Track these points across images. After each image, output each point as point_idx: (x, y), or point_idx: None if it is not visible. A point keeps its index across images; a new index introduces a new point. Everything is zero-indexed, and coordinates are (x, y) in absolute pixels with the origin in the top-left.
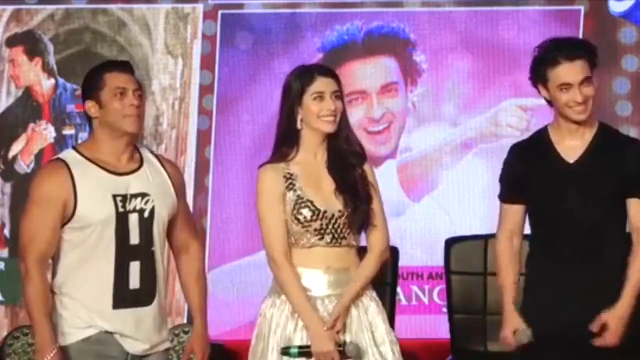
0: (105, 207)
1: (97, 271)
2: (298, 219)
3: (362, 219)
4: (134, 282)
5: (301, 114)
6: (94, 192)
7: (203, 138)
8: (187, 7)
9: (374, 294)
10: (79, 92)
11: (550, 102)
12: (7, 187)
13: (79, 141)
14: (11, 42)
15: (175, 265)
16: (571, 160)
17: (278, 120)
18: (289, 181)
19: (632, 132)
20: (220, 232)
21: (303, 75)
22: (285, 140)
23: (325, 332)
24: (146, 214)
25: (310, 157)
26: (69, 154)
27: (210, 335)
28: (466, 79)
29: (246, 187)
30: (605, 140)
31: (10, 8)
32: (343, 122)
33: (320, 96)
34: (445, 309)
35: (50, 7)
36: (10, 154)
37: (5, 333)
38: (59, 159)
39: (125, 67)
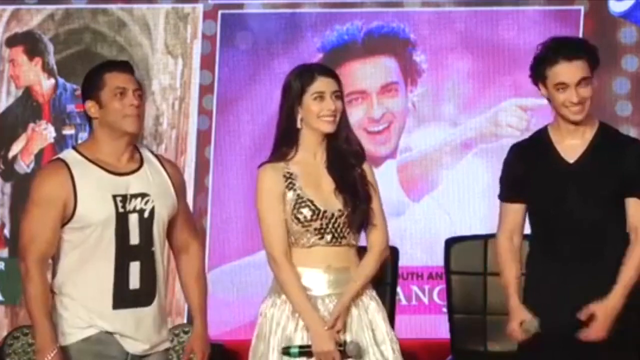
0: (105, 207)
1: (97, 271)
2: (298, 219)
3: (362, 219)
4: (134, 282)
5: (301, 113)
6: (94, 192)
7: (203, 138)
8: (187, 7)
9: (374, 293)
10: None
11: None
12: (7, 187)
13: (79, 141)
14: (11, 42)
15: (175, 265)
16: (571, 160)
17: (278, 119)
18: (289, 181)
19: (632, 132)
20: (220, 232)
21: (303, 75)
22: (285, 140)
23: (326, 332)
24: (146, 214)
25: (310, 157)
26: (69, 154)
27: (210, 335)
28: (466, 79)
29: (246, 187)
30: (605, 140)
31: (10, 8)
32: (343, 122)
33: (320, 96)
34: (445, 309)
35: (50, 7)
36: (10, 154)
37: (5, 333)
38: (59, 159)
39: (125, 67)
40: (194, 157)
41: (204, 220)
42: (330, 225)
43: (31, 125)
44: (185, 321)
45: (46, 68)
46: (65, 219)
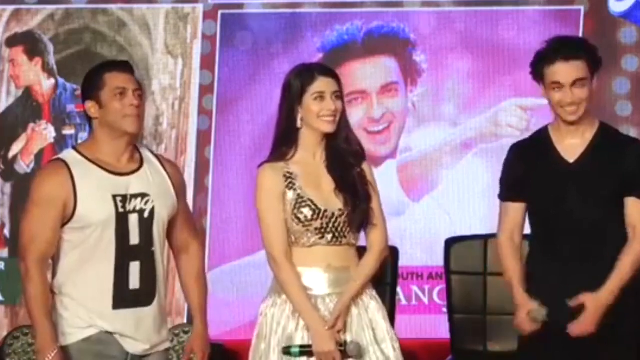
0: (105, 207)
1: (97, 272)
2: (299, 219)
3: (362, 218)
4: (134, 282)
5: (301, 113)
6: (94, 192)
7: (203, 138)
8: (187, 7)
9: (374, 292)
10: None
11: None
12: (7, 187)
13: (79, 141)
14: (11, 42)
15: (175, 265)
16: (571, 160)
17: (277, 118)
18: (289, 180)
19: (632, 132)
20: (220, 232)
21: (303, 75)
22: (284, 140)
23: (327, 332)
24: (146, 215)
25: (309, 157)
26: (69, 154)
27: (210, 335)
28: (466, 79)
29: (246, 187)
30: (605, 140)
31: (10, 8)
32: (343, 122)
33: (320, 96)
34: (445, 309)
35: (50, 7)
36: (10, 154)
37: (5, 333)
38: (59, 159)
39: (125, 67)
40: (194, 157)
41: (204, 220)
42: (330, 225)
43: (31, 125)
44: (185, 321)
45: (46, 68)
46: (66, 219)
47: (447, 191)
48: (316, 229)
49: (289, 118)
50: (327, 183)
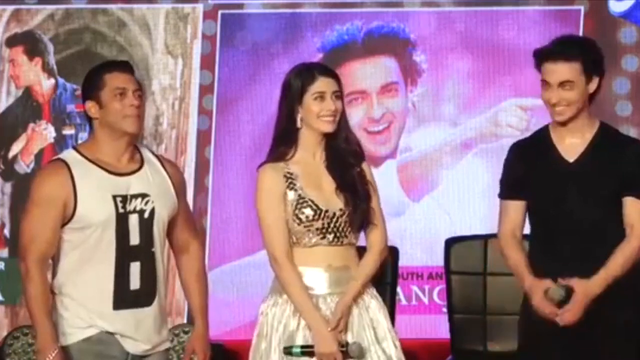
0: (105, 207)
1: (97, 272)
2: (300, 219)
3: (363, 218)
4: (135, 282)
5: (301, 113)
6: (95, 192)
7: (203, 138)
8: (187, 7)
9: (375, 291)
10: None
11: None
12: (7, 187)
13: (79, 141)
14: (11, 42)
15: (175, 264)
16: (571, 160)
17: (277, 118)
18: (290, 181)
19: (632, 132)
20: (220, 232)
21: (304, 75)
22: (284, 140)
23: (329, 333)
24: (146, 215)
25: (309, 157)
26: (69, 154)
27: (210, 335)
28: (466, 79)
29: (246, 187)
30: (605, 140)
31: (10, 8)
32: (342, 122)
33: (321, 96)
34: (445, 309)
35: (50, 7)
36: (10, 154)
37: (5, 333)
38: (59, 159)
39: (125, 67)
40: (194, 157)
41: (204, 220)
42: (332, 225)
43: (31, 125)
44: (185, 321)
45: (46, 68)
46: (66, 219)
47: (447, 191)
48: (317, 229)
49: (288, 118)
50: (328, 183)
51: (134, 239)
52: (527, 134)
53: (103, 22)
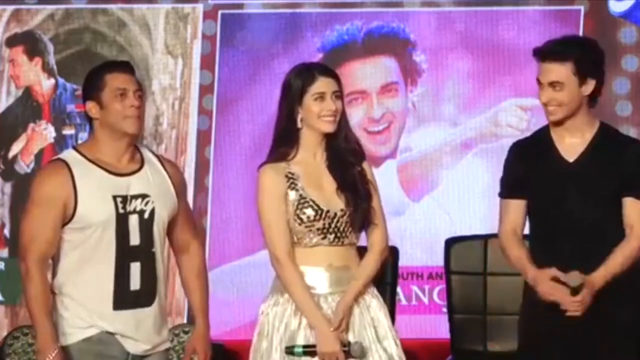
0: (105, 208)
1: (97, 272)
2: (301, 219)
3: (363, 218)
4: (135, 283)
5: (301, 113)
6: (95, 192)
7: (203, 138)
8: (187, 7)
9: (375, 290)
10: (79, 92)
11: None
12: (7, 187)
13: (79, 141)
14: (11, 42)
15: (175, 263)
16: (571, 160)
17: (277, 118)
18: (291, 181)
19: (632, 132)
20: (220, 232)
21: (304, 75)
22: (285, 140)
23: (331, 332)
24: (146, 215)
25: (310, 157)
26: (69, 154)
27: (210, 335)
28: (466, 79)
29: (246, 187)
30: (605, 140)
31: (10, 8)
32: (343, 122)
33: (321, 96)
34: (445, 309)
35: (50, 7)
36: (10, 154)
37: (5, 333)
38: (59, 159)
39: (126, 67)
40: (194, 157)
41: (204, 220)
42: (333, 225)
43: (31, 125)
44: (185, 321)
45: (46, 68)
46: (66, 219)
47: (447, 191)
48: (318, 229)
49: (289, 118)
50: (329, 183)
51: (134, 239)
52: (527, 134)
53: (103, 22)
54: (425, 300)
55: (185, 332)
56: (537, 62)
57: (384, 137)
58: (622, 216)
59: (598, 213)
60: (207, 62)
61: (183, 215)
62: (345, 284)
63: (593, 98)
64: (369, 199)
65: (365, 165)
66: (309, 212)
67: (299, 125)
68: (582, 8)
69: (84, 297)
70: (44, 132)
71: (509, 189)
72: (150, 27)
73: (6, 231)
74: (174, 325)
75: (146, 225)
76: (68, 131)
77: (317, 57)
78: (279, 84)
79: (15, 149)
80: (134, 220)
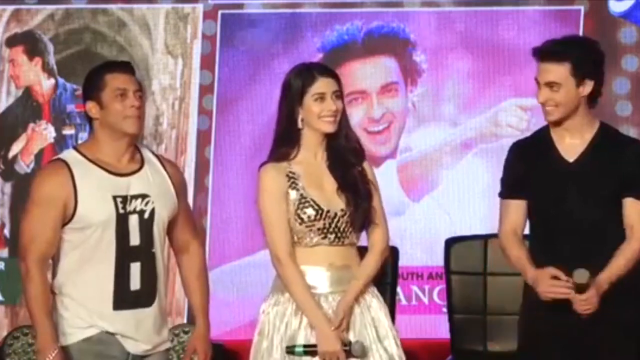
0: (105, 208)
1: (97, 272)
2: (302, 219)
3: (364, 217)
4: (135, 283)
5: (302, 114)
6: (95, 192)
7: (203, 138)
8: (187, 7)
9: (376, 290)
10: (79, 92)
11: None
12: (7, 187)
13: (79, 141)
14: (11, 42)
15: (175, 263)
16: (571, 160)
17: (277, 119)
18: (292, 180)
19: (632, 132)
20: (220, 232)
21: (303, 75)
22: (286, 140)
23: (332, 332)
24: (146, 215)
25: (311, 157)
26: (69, 154)
27: (210, 335)
28: (466, 79)
29: (246, 187)
30: (605, 140)
31: (10, 8)
32: (343, 122)
33: (321, 97)
34: (445, 309)
35: (50, 7)
36: (10, 154)
37: (5, 333)
38: (59, 159)
39: (126, 67)
40: (194, 157)
41: (204, 220)
42: (333, 225)
43: (31, 125)
44: (185, 321)
45: (46, 68)
46: (66, 219)
47: (447, 191)
48: (319, 229)
49: (289, 119)
50: (329, 183)
51: (134, 239)
52: (527, 134)
53: (103, 22)
54: (425, 300)
55: (185, 332)
56: (536, 62)
57: (384, 137)
58: (622, 216)
59: (598, 213)
60: (207, 62)
61: (183, 215)
62: (346, 283)
63: (593, 98)
64: (369, 199)
65: (366, 165)
66: (310, 211)
67: (300, 125)
68: (582, 8)
69: (84, 297)
70: (44, 132)
71: (509, 189)
72: (150, 27)
73: (6, 231)
74: (174, 325)
75: (146, 226)
76: (68, 131)
77: (317, 57)
78: (279, 84)
79: (15, 149)
80: (134, 220)
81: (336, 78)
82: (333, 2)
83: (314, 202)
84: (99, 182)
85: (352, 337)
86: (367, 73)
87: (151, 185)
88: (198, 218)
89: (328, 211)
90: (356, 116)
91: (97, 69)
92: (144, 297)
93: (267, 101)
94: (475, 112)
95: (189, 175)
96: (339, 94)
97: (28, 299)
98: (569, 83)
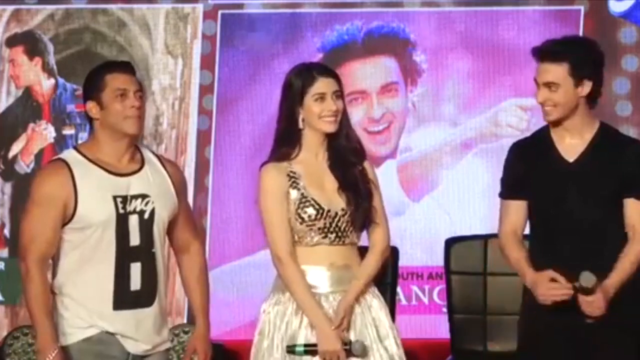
0: (105, 208)
1: (97, 272)
2: (302, 218)
3: (364, 217)
4: (135, 283)
5: (302, 114)
6: (95, 192)
7: (203, 138)
8: (187, 7)
9: (376, 290)
10: (79, 92)
11: None
12: (7, 187)
13: (79, 141)
14: (11, 42)
15: (175, 263)
16: (571, 160)
17: (278, 118)
18: (293, 180)
19: (632, 132)
20: (220, 232)
21: (304, 75)
22: (286, 140)
23: (333, 331)
24: (146, 216)
25: (312, 157)
26: (69, 154)
27: (210, 335)
28: (466, 79)
29: (246, 187)
30: (605, 140)
31: (10, 8)
32: (344, 122)
33: (321, 97)
34: (445, 309)
35: (50, 7)
36: (10, 154)
37: (5, 333)
38: (59, 159)
39: (127, 67)
40: (194, 157)
41: (204, 220)
42: (333, 225)
43: (31, 125)
44: (185, 321)
45: (46, 68)
46: (66, 219)
47: (447, 191)
48: (319, 228)
49: (290, 119)
50: (330, 182)
51: (134, 239)
52: (527, 134)
53: (103, 22)
54: (425, 300)
55: (185, 332)
56: (535, 62)
57: (384, 137)
58: (622, 216)
59: (598, 213)
60: (207, 62)
61: (183, 215)
62: (347, 283)
63: (592, 98)
64: (370, 198)
65: (366, 164)
66: (310, 211)
67: (301, 125)
68: (582, 8)
69: (84, 297)
70: (44, 132)
71: (509, 189)
72: (150, 27)
73: (6, 231)
74: (174, 325)
75: (146, 226)
76: (68, 131)
77: (317, 57)
78: (279, 84)
79: (15, 149)
80: (134, 220)
81: (336, 78)
82: (333, 2)
83: (315, 201)
84: (99, 182)
85: (353, 336)
86: (367, 73)
87: (151, 185)
88: (198, 218)
89: (329, 211)
90: (356, 116)
91: (97, 69)
92: (144, 297)
93: (267, 101)
94: (475, 112)
95: (189, 175)
96: (340, 94)
97: (28, 299)
98: (567, 83)
